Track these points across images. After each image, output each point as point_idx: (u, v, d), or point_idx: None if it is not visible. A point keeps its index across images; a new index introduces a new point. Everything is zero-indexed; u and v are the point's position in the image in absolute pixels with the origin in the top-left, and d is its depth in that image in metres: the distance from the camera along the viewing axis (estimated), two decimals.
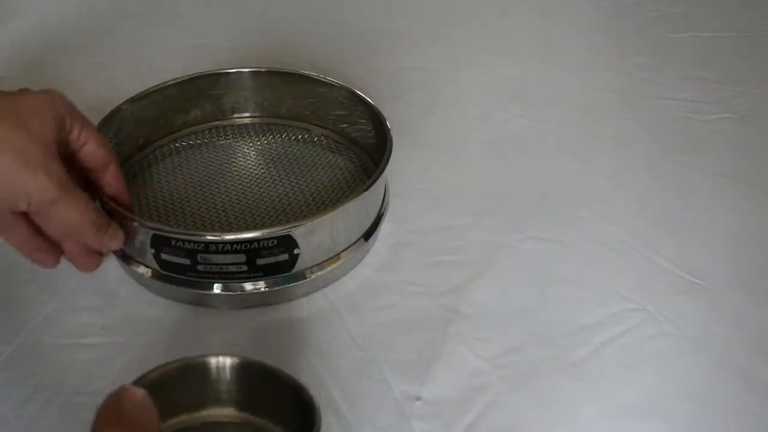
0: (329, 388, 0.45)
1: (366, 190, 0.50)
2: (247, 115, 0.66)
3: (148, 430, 0.28)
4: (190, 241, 0.46)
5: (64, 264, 0.50)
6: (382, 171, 0.51)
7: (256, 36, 0.84)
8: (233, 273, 0.48)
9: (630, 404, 0.45)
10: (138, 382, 0.34)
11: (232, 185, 0.58)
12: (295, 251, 0.47)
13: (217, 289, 0.48)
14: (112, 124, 0.57)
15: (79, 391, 0.45)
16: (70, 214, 0.42)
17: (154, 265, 0.49)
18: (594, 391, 0.46)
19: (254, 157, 0.62)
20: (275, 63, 0.79)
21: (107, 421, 0.28)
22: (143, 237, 0.48)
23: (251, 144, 0.64)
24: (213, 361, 0.37)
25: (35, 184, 0.40)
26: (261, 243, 0.46)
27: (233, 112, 0.66)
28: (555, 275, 0.54)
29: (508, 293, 0.53)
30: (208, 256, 0.47)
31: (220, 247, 0.46)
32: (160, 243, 0.47)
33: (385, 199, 0.55)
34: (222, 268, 0.47)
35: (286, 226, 0.47)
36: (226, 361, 0.37)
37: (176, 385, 0.36)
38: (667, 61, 0.81)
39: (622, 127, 0.71)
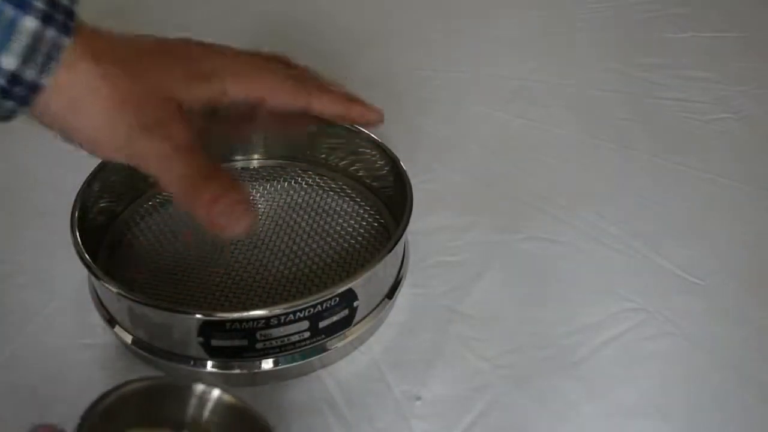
0: (329, 388, 0.46)
1: (401, 237, 0.48)
2: (245, 157, 0.62)
3: None
4: (250, 320, 0.42)
5: (64, 264, 0.49)
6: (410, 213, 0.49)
7: (255, 36, 0.84)
8: (294, 343, 0.44)
9: (630, 404, 0.46)
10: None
11: (240, 241, 0.53)
12: (355, 304, 0.45)
13: (272, 364, 0.45)
14: (100, 178, 0.51)
15: (80, 392, 0.45)
16: (168, 174, 0.33)
17: (202, 354, 0.43)
18: (594, 391, 0.46)
19: (260, 205, 0.58)
20: None
21: None
22: (186, 326, 0.42)
23: (254, 191, 0.59)
24: (187, 385, 0.34)
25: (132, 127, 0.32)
26: (324, 304, 0.43)
27: (233, 155, 0.61)
28: (555, 275, 0.54)
29: (508, 293, 0.53)
30: (268, 331, 0.43)
31: (283, 319, 0.42)
32: (210, 329, 0.42)
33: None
34: (283, 341, 0.44)
35: (348, 281, 0.44)
36: (201, 389, 0.34)
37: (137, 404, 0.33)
38: (667, 61, 0.81)
39: (622, 127, 0.71)
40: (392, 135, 0.64)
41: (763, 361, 0.48)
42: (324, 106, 0.39)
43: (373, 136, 0.56)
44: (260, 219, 0.56)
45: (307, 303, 0.43)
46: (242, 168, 0.62)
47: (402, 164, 0.53)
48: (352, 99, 0.42)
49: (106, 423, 0.30)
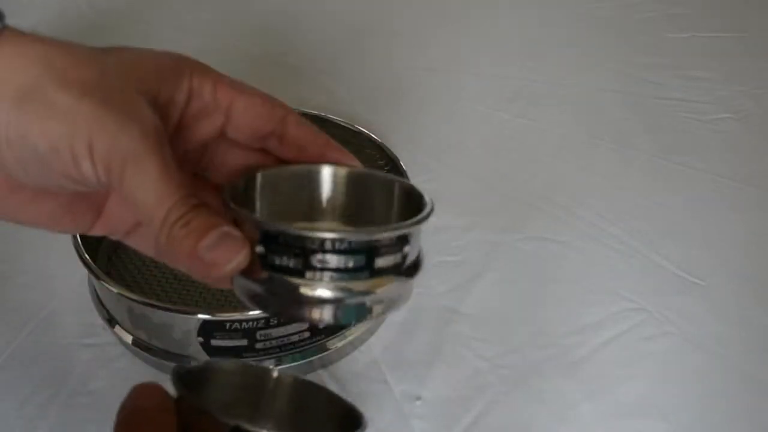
0: (329, 388, 0.45)
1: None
2: None
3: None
4: (250, 320, 0.42)
5: (64, 264, 0.49)
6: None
7: (255, 36, 0.84)
8: (294, 343, 0.44)
9: (630, 404, 0.45)
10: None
11: None
12: None
13: (272, 364, 0.44)
14: None
15: (79, 391, 0.45)
16: (139, 177, 0.24)
17: (202, 354, 0.43)
18: (594, 390, 0.46)
19: None
20: (274, 63, 0.79)
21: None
22: (186, 326, 0.42)
23: None
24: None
25: (100, 123, 0.24)
26: None
27: None
28: (555, 275, 0.54)
29: (508, 293, 0.53)
30: (268, 331, 0.43)
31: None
32: (210, 329, 0.42)
33: None
34: (283, 341, 0.44)
35: None
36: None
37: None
38: (667, 61, 0.81)
39: (622, 127, 0.71)
40: (392, 135, 0.64)
41: (763, 361, 0.48)
42: (301, 130, 0.30)
43: (373, 136, 0.56)
44: None
45: None
46: None
47: (402, 164, 0.53)
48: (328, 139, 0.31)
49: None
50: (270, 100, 0.29)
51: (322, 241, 0.24)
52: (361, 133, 0.57)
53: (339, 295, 0.24)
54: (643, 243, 0.57)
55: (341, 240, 0.24)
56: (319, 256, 0.24)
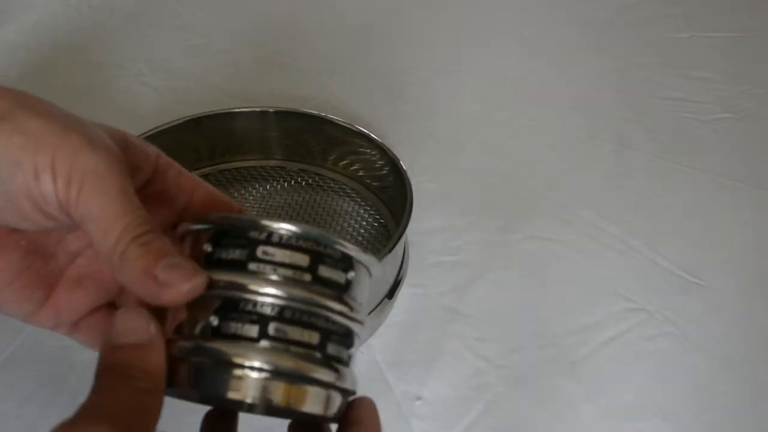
0: None
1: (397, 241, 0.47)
2: (245, 158, 0.62)
3: (145, 381, 0.24)
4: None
5: None
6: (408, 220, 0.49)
7: (255, 36, 0.84)
8: None
9: (630, 404, 0.46)
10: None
11: None
12: None
13: None
14: None
15: (79, 391, 0.45)
16: (99, 191, 0.24)
17: None
18: (594, 390, 0.46)
19: (261, 206, 0.58)
20: (275, 63, 0.79)
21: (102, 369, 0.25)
22: None
23: (254, 191, 0.60)
24: None
25: (65, 140, 0.24)
26: None
27: (232, 155, 0.62)
28: (555, 275, 0.54)
29: (508, 293, 0.53)
30: None
31: None
32: None
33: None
34: None
35: None
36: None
37: None
38: (667, 61, 0.81)
39: (622, 127, 0.71)
40: (392, 135, 0.64)
41: (763, 361, 0.48)
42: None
43: (372, 136, 0.56)
44: None
45: None
46: (242, 168, 0.62)
47: (402, 164, 0.53)
48: None
49: None
50: (224, 194, 0.30)
51: (271, 232, 0.24)
52: (361, 133, 0.57)
53: (282, 294, 0.23)
54: (643, 243, 0.57)
55: (289, 231, 0.24)
56: (264, 248, 0.24)
